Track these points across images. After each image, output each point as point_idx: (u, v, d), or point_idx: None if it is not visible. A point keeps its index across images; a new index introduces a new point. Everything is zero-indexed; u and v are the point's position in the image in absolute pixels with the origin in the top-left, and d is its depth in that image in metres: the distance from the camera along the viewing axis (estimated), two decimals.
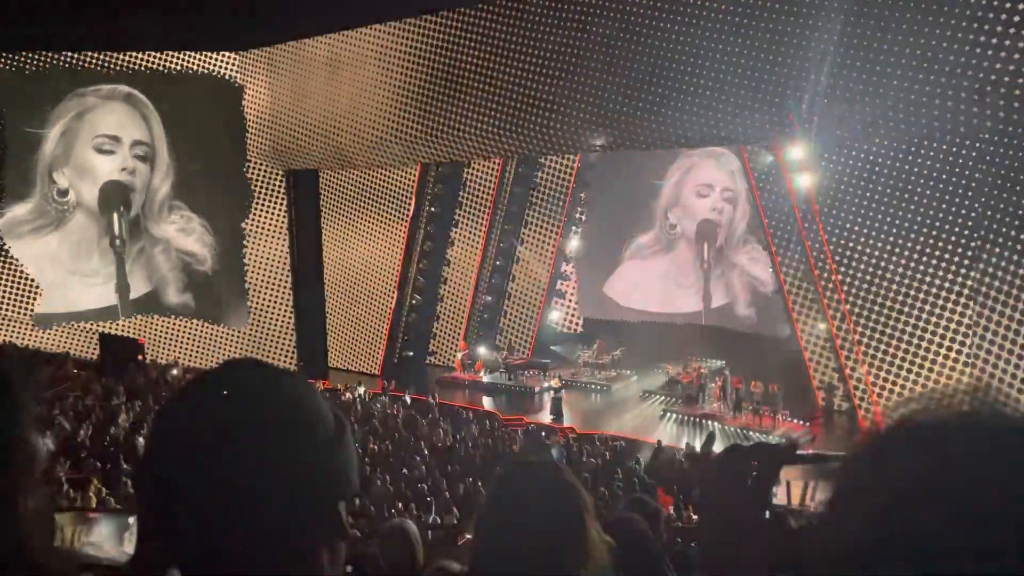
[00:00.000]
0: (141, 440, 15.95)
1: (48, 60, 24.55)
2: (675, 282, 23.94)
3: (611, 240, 24.07)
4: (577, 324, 26.10)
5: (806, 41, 16.38)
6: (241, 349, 25.75)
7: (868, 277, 18.14)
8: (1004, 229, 15.74)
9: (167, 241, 25.74)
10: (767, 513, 0.94)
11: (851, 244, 18.24)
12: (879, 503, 0.66)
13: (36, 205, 24.79)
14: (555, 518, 1.58)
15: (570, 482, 1.66)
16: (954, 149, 16.82)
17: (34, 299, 25.39)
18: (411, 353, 25.64)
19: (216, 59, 25.29)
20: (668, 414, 20.60)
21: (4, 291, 25.31)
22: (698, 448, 16.18)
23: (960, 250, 16.92)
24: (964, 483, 0.64)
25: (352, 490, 1.06)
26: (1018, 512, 0.61)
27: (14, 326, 25.40)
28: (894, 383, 18.03)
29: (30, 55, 24.35)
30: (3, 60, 24.31)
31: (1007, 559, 0.60)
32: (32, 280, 25.31)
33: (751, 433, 18.68)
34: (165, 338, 26.25)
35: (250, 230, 25.98)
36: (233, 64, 25.35)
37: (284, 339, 26.14)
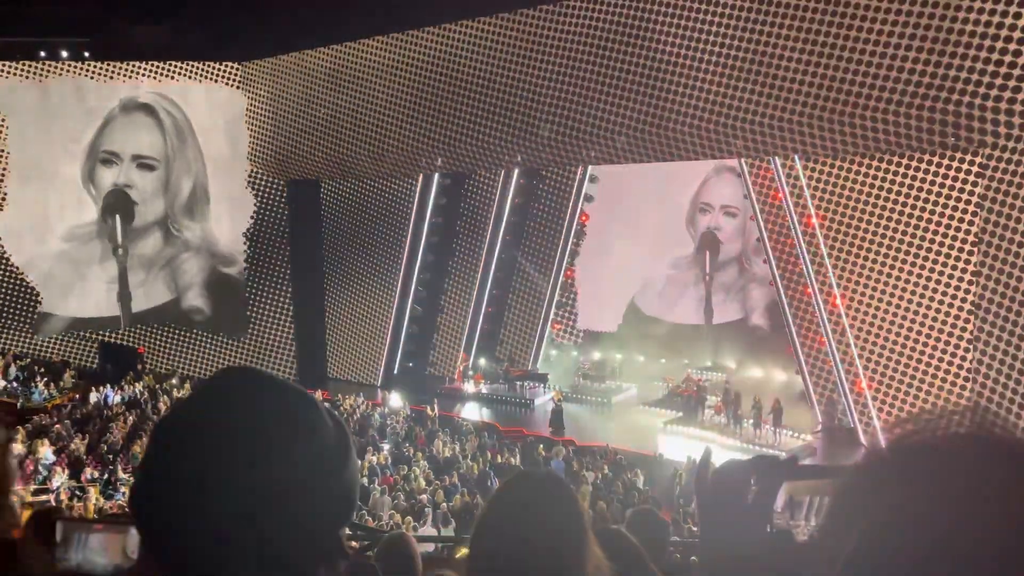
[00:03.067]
0: (138, 449, 15.92)
1: (55, 69, 24.64)
2: (682, 293, 24.02)
3: (633, 252, 23.90)
4: (578, 336, 26.10)
5: (796, 54, 16.46)
6: (241, 359, 25.72)
7: (868, 292, 18.14)
8: (1005, 244, 15.75)
9: (199, 243, 25.78)
10: (769, 527, 0.94)
11: (851, 259, 18.26)
12: (875, 521, 0.66)
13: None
14: (555, 532, 1.54)
15: (571, 496, 1.62)
16: (955, 162, 16.87)
17: (35, 307, 25.39)
18: (411, 364, 25.62)
19: (219, 69, 25.39)
20: (668, 426, 20.56)
21: (5, 299, 25.32)
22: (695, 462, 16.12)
23: (961, 265, 16.93)
24: (958, 505, 0.64)
25: (353, 510, 1.03)
26: (1008, 536, 0.61)
27: (15, 335, 25.38)
28: (894, 397, 18.00)
29: (37, 65, 24.45)
30: (9, 68, 24.41)
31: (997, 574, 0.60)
32: (33, 288, 25.31)
33: (752, 446, 18.63)
34: (165, 348, 26.23)
35: (251, 239, 26.01)
36: (235, 74, 25.45)
37: (284, 349, 26.12)
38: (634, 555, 2.78)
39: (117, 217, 25.05)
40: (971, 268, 16.69)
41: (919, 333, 17.55)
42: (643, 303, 24.38)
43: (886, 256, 17.80)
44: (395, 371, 25.33)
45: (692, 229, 23.83)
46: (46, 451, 15.75)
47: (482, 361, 24.68)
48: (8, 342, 25.17)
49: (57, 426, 18.19)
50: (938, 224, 17.15)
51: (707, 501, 0.98)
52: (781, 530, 0.92)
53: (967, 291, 16.80)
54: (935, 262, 17.22)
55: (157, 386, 22.83)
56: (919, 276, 17.42)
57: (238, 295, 26.02)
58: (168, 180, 25.39)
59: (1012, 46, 14.79)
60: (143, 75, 25.04)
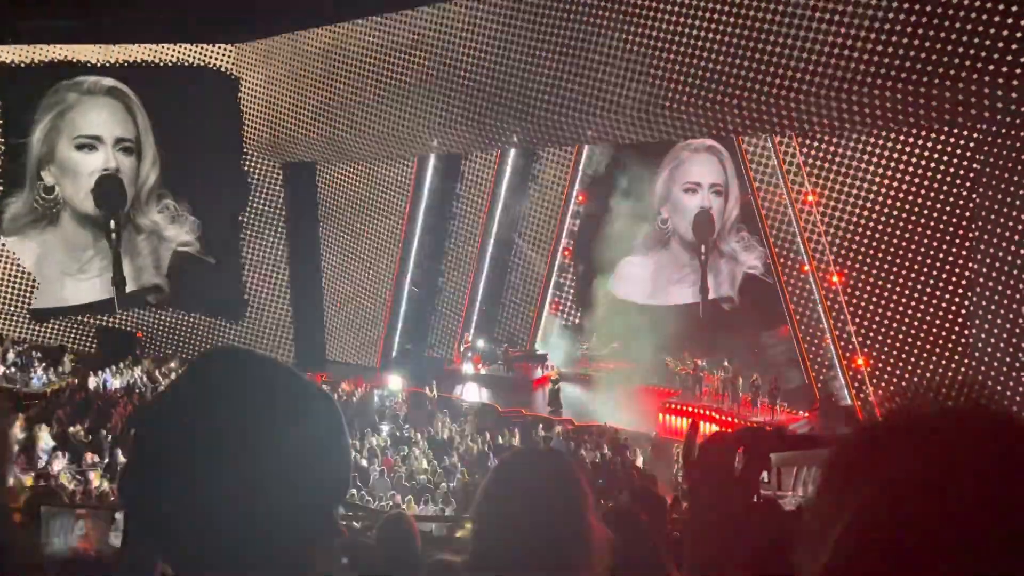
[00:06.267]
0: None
1: (42, 53, 24.43)
2: (668, 277, 23.91)
3: (615, 234, 23.90)
4: (576, 316, 26.09)
5: (791, 29, 16.37)
6: (239, 342, 25.71)
7: (865, 268, 18.14)
8: (1003, 219, 15.73)
9: (153, 231, 25.61)
10: (756, 498, 0.94)
11: (848, 234, 18.25)
12: (868, 497, 0.66)
13: (26, 202, 24.74)
14: (556, 508, 1.53)
15: (573, 471, 1.61)
16: (952, 138, 16.82)
17: (31, 294, 25.34)
18: (409, 346, 25.64)
19: (211, 51, 25.19)
20: (666, 405, 20.63)
21: (2, 286, 25.27)
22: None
23: (959, 240, 16.91)
24: (952, 480, 0.65)
25: (346, 490, 1.03)
26: (1003, 511, 0.61)
27: (13, 320, 25.36)
28: (891, 374, 18.05)
29: (24, 48, 24.23)
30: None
31: (989, 556, 0.60)
32: (29, 275, 25.25)
33: (749, 422, 18.70)
34: (162, 332, 26.21)
35: (247, 223, 25.93)
36: (229, 56, 25.25)
37: (282, 332, 26.12)
38: (638, 529, 2.80)
39: (109, 204, 24.90)
40: (968, 244, 16.67)
41: (916, 309, 17.56)
42: (617, 288, 24.27)
43: (882, 232, 17.78)
44: (394, 353, 25.35)
45: (667, 210, 23.59)
46: (46, 436, 15.78)
47: (480, 343, 24.69)
48: (5, 327, 25.16)
49: (58, 411, 18.21)
50: (935, 199, 17.11)
51: (695, 474, 0.98)
52: (769, 500, 0.93)
53: (964, 267, 16.80)
54: (932, 238, 17.20)
55: (156, 370, 22.83)
56: (915, 252, 17.41)
57: (199, 270, 25.65)
58: (139, 166, 25.17)
59: (1010, 20, 14.69)
60: (135, 57, 24.84)
